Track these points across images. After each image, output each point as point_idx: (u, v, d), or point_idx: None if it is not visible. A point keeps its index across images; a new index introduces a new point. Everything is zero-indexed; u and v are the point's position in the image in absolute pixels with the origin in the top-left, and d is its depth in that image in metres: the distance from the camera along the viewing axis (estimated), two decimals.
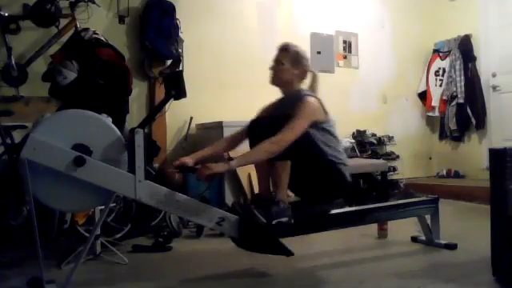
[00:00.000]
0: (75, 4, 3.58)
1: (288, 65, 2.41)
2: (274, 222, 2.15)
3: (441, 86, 5.70)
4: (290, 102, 2.35)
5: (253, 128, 2.40)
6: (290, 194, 2.47)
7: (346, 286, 2.24)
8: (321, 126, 2.33)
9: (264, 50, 4.79)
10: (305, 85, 2.51)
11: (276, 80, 2.45)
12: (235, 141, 2.53)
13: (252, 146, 2.32)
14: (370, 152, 5.12)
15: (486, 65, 5.42)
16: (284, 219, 2.18)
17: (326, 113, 2.38)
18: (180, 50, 4.13)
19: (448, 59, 5.66)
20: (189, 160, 2.31)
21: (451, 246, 2.77)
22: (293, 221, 2.24)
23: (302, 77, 2.47)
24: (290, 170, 2.25)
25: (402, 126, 5.72)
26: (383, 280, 2.28)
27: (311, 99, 2.34)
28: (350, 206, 2.59)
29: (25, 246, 2.70)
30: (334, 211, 2.50)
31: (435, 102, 5.73)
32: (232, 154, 2.64)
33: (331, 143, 2.35)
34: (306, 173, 2.30)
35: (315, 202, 2.47)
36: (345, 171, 2.38)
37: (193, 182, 3.74)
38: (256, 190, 3.74)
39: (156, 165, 3.72)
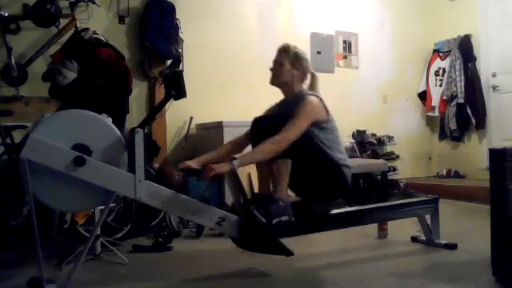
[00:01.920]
0: (75, 4, 3.58)
1: (288, 66, 2.42)
2: (274, 222, 2.15)
3: (441, 85, 5.70)
4: (292, 103, 2.36)
5: (255, 128, 2.41)
6: (291, 193, 2.47)
7: (346, 286, 2.24)
8: (322, 125, 2.33)
9: (264, 49, 4.79)
10: (305, 85, 2.51)
11: (276, 81, 2.47)
12: (239, 144, 2.54)
13: (254, 145, 2.33)
14: (369, 152, 5.12)
15: (486, 65, 5.42)
16: (284, 218, 2.17)
17: (327, 112, 2.39)
18: (180, 50, 4.13)
19: (448, 59, 5.66)
20: (193, 163, 2.32)
21: (451, 246, 2.77)
22: (293, 219, 2.23)
23: (302, 77, 2.48)
24: (291, 170, 2.26)
25: (402, 126, 5.72)
26: (383, 280, 2.28)
27: (312, 98, 2.34)
28: (350, 206, 2.59)
29: (25, 246, 2.70)
30: (334, 211, 2.50)
31: (435, 102, 5.73)
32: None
33: (332, 143, 2.35)
34: (306, 172, 2.30)
35: (316, 202, 2.47)
36: (346, 171, 2.38)
37: (193, 182, 3.75)
38: (256, 190, 3.75)
39: (156, 165, 3.72)
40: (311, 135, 2.26)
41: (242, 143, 2.52)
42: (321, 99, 2.40)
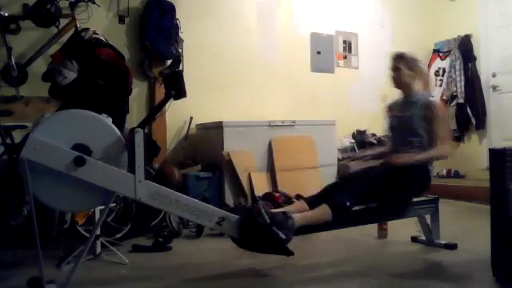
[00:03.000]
0: (75, 4, 3.59)
1: (405, 69, 2.77)
2: (273, 228, 2.15)
3: (441, 86, 5.70)
4: (417, 103, 2.71)
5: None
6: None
7: (346, 285, 2.25)
8: None
9: (264, 49, 4.81)
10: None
11: (398, 84, 2.83)
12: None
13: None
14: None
15: (486, 65, 5.42)
16: (282, 234, 2.17)
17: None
18: (180, 50, 4.14)
19: (448, 59, 5.66)
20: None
21: (451, 246, 2.77)
22: (290, 240, 2.23)
23: (419, 78, 2.82)
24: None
25: None
26: (383, 280, 2.28)
27: (440, 103, 2.80)
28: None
29: (25, 246, 2.70)
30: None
31: None
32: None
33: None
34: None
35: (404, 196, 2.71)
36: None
37: (193, 182, 3.75)
38: (256, 190, 3.75)
39: (156, 165, 3.72)
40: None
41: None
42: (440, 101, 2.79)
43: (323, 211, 2.36)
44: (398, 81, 2.81)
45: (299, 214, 2.35)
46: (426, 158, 2.63)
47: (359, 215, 2.58)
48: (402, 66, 2.77)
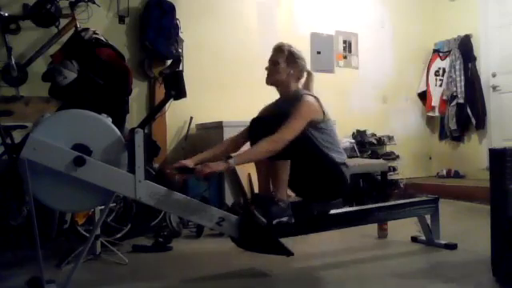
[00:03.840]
0: (75, 4, 3.58)
1: (283, 64, 2.40)
2: (274, 222, 2.15)
3: (441, 86, 5.70)
4: (289, 102, 2.35)
5: (253, 128, 2.41)
6: (291, 193, 2.47)
7: (346, 285, 2.25)
8: (318, 125, 2.33)
9: (264, 49, 4.77)
10: (300, 84, 2.50)
11: (272, 80, 2.44)
12: (236, 143, 2.52)
13: (252, 145, 2.32)
14: (369, 152, 5.12)
15: (486, 65, 5.42)
16: (284, 218, 2.18)
17: (324, 112, 2.38)
18: (180, 50, 4.13)
19: (448, 59, 5.66)
20: (189, 162, 2.30)
21: (451, 246, 2.77)
22: (293, 220, 2.24)
23: (298, 76, 2.47)
24: (290, 170, 2.25)
25: (402, 126, 5.72)
26: (383, 280, 2.28)
27: (309, 98, 2.34)
28: (350, 205, 2.59)
29: (25, 246, 2.70)
30: (334, 211, 2.50)
31: (435, 102, 5.73)
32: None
33: (329, 143, 2.35)
34: (305, 172, 2.30)
35: (315, 202, 2.47)
36: (344, 171, 2.38)
37: (193, 182, 3.75)
38: (256, 190, 3.75)
39: (156, 165, 3.72)
40: (308, 136, 2.26)
41: (239, 142, 2.52)
42: (317, 99, 2.39)
43: (282, 164, 2.23)
44: (273, 77, 2.42)
45: (278, 188, 2.27)
46: (255, 155, 2.22)
47: (359, 215, 2.59)
48: (280, 61, 2.39)
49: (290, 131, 2.19)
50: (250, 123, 2.44)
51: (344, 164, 2.39)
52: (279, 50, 2.44)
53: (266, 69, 2.46)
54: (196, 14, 4.43)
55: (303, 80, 2.50)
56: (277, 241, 2.27)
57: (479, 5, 5.48)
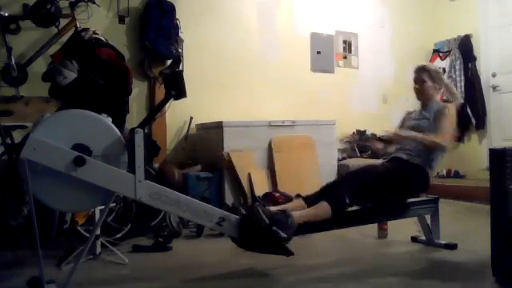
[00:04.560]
0: (75, 4, 3.59)
1: (429, 82, 2.82)
2: (273, 228, 2.15)
3: None
4: (433, 110, 2.77)
5: None
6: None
7: (346, 285, 2.24)
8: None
9: (264, 50, 4.81)
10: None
11: (423, 97, 2.86)
12: None
13: None
14: (370, 152, 5.11)
15: (486, 65, 5.42)
16: (283, 234, 2.17)
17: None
18: (180, 50, 4.14)
19: (448, 59, 5.66)
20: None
21: (451, 246, 2.77)
22: (290, 239, 2.22)
23: (440, 89, 2.90)
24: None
25: None
26: (383, 280, 2.28)
27: (450, 109, 2.75)
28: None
29: (25, 246, 2.70)
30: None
31: None
32: None
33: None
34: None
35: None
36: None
37: (193, 182, 3.75)
38: (256, 190, 3.75)
39: (156, 165, 3.72)
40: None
41: None
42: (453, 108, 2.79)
43: (322, 208, 2.36)
44: (422, 93, 2.85)
45: (298, 211, 2.35)
46: (422, 140, 2.65)
47: (359, 215, 2.59)
48: (426, 78, 2.82)
49: (449, 134, 2.66)
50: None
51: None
52: (423, 69, 2.86)
53: (415, 88, 2.87)
54: (196, 14, 4.43)
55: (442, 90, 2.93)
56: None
57: (479, 5, 5.49)
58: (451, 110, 2.76)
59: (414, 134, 2.70)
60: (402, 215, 2.77)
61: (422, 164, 2.67)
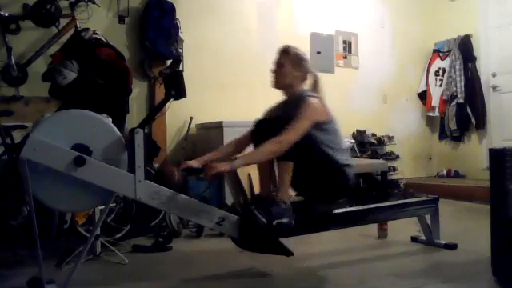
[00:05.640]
0: (75, 4, 3.58)
1: (289, 67, 2.41)
2: (274, 223, 2.15)
3: (441, 86, 5.70)
4: (293, 104, 2.35)
5: (256, 129, 2.41)
6: (292, 193, 2.47)
7: (346, 285, 2.25)
8: (323, 126, 2.32)
9: (264, 50, 4.80)
10: (306, 86, 2.50)
11: (278, 83, 2.45)
12: (240, 144, 2.52)
13: (256, 147, 2.32)
14: (369, 152, 5.12)
15: (486, 65, 5.42)
16: (285, 220, 2.17)
17: (328, 113, 2.37)
18: (180, 50, 4.13)
19: (448, 59, 5.66)
20: (195, 163, 2.32)
21: (451, 246, 2.77)
22: (294, 222, 2.23)
23: (304, 78, 2.47)
24: (293, 171, 2.26)
25: (402, 126, 5.72)
26: (383, 280, 2.28)
27: (312, 100, 2.33)
28: (350, 205, 2.59)
29: (25, 246, 2.70)
30: (334, 211, 2.50)
31: (435, 102, 5.74)
32: None
33: (334, 144, 2.34)
34: (308, 173, 2.30)
35: (318, 202, 2.47)
36: (348, 171, 2.38)
37: (193, 182, 3.75)
38: (256, 190, 3.75)
39: (156, 165, 3.72)
40: (312, 137, 2.25)
41: (243, 143, 2.51)
42: (321, 100, 2.38)
43: (284, 165, 2.22)
44: (279, 80, 2.44)
45: (280, 188, 2.26)
46: (260, 157, 2.23)
47: (359, 215, 2.59)
48: (286, 63, 2.41)
49: (294, 132, 2.18)
50: (254, 125, 2.44)
51: (348, 165, 2.39)
52: (285, 52, 2.44)
53: (272, 71, 2.47)
54: (196, 13, 4.43)
55: (309, 82, 2.49)
56: (277, 241, 2.27)
57: (479, 5, 5.49)
58: (308, 105, 2.28)
59: (241, 160, 2.21)
60: (402, 215, 2.77)
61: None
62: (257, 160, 2.29)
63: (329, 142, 2.31)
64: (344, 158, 2.38)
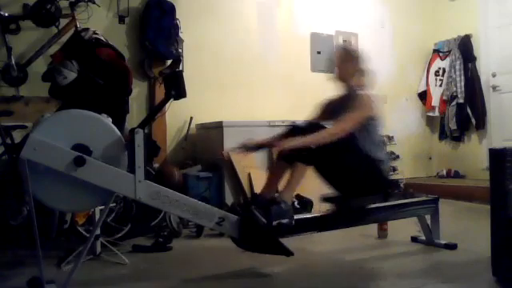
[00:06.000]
0: (75, 4, 3.59)
1: (350, 63, 2.63)
2: (274, 223, 2.15)
3: (441, 86, 5.70)
4: (350, 97, 2.50)
5: (299, 128, 2.49)
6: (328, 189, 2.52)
7: (346, 285, 2.25)
8: (371, 121, 2.43)
9: (264, 50, 4.81)
10: (362, 82, 2.65)
11: (339, 76, 2.65)
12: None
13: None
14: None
15: (486, 65, 5.41)
16: (285, 220, 2.18)
17: (377, 109, 2.49)
18: (180, 50, 4.13)
19: (448, 59, 5.66)
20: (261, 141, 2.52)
21: (451, 246, 2.77)
22: (294, 222, 2.24)
23: (361, 75, 2.67)
24: (330, 165, 2.33)
25: (402, 126, 5.71)
26: (383, 280, 2.28)
27: (367, 95, 2.48)
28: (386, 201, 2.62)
29: (25, 246, 2.70)
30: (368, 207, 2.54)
31: (435, 102, 5.73)
32: None
33: (375, 140, 2.44)
34: (346, 167, 2.36)
35: (355, 197, 2.51)
36: (383, 167, 2.45)
37: (193, 182, 3.75)
38: (256, 190, 3.75)
39: (156, 165, 3.72)
40: (354, 133, 2.35)
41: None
42: (374, 96, 2.52)
43: (299, 170, 2.32)
44: (342, 74, 2.64)
45: (286, 190, 2.32)
46: (317, 140, 2.29)
47: (359, 215, 2.59)
48: (348, 59, 2.66)
49: (350, 121, 2.32)
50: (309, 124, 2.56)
51: (382, 161, 2.45)
52: (345, 49, 2.75)
53: (337, 66, 2.66)
54: (196, 13, 4.43)
55: (364, 78, 2.67)
56: (277, 241, 2.27)
57: (479, 5, 5.48)
58: (362, 100, 2.48)
59: (304, 139, 2.30)
60: (402, 215, 2.77)
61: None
62: (315, 142, 2.28)
63: (372, 138, 2.42)
64: (382, 154, 2.47)
